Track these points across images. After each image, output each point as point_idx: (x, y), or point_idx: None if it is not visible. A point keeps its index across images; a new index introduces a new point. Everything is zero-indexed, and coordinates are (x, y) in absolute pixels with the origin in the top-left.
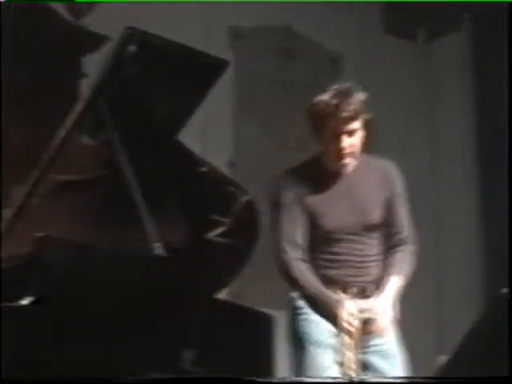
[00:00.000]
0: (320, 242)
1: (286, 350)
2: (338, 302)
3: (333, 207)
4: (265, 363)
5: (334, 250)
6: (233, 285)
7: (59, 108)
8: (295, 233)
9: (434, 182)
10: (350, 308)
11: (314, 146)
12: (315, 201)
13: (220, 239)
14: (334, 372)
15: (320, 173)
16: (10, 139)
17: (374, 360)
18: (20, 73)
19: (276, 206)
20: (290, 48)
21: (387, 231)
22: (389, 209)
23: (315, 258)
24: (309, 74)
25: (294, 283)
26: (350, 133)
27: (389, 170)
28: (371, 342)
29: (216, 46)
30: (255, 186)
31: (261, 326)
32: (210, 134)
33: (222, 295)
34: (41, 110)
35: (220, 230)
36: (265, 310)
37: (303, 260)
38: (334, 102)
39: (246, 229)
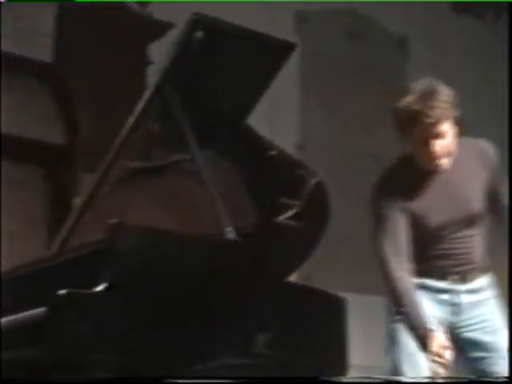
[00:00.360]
0: (425, 240)
1: (358, 332)
2: (430, 333)
3: (434, 206)
4: (337, 346)
5: (439, 246)
6: (303, 267)
7: (128, 96)
8: (398, 240)
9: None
10: (441, 340)
11: (380, 127)
12: (416, 202)
13: (290, 222)
14: (421, 357)
15: (415, 173)
16: (80, 129)
17: (479, 336)
18: (90, 63)
19: (377, 213)
20: (355, 30)
21: (493, 206)
22: (492, 187)
23: (419, 256)
24: (375, 56)
25: (395, 298)
26: (439, 135)
27: (484, 147)
28: (474, 320)
29: (281, 30)
30: (323, 168)
31: (333, 309)
32: (277, 118)
33: (293, 278)
34: (111, 100)
35: (290, 213)
36: (336, 292)
37: (407, 271)
38: (418, 107)
39: (316, 211)
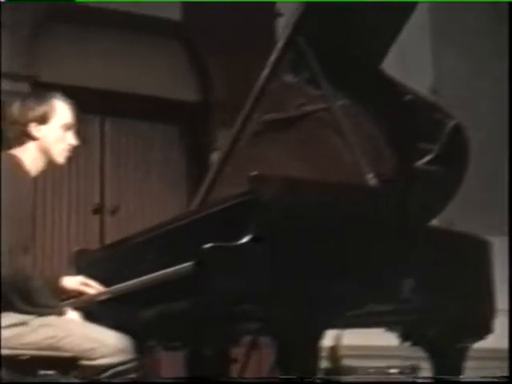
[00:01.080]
0: None
1: (503, 275)
2: None
3: None
4: (484, 289)
5: None
6: (445, 212)
7: (260, 49)
8: None
9: None
10: None
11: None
12: None
13: (429, 167)
14: None
15: None
16: (214, 84)
17: None
18: (219, 18)
19: None
20: None
21: None
22: None
23: None
24: None
25: None
26: None
27: None
28: None
29: None
30: (460, 110)
31: (478, 252)
32: (410, 62)
33: (435, 223)
34: (242, 53)
35: (428, 157)
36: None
37: None
38: None
39: (455, 154)
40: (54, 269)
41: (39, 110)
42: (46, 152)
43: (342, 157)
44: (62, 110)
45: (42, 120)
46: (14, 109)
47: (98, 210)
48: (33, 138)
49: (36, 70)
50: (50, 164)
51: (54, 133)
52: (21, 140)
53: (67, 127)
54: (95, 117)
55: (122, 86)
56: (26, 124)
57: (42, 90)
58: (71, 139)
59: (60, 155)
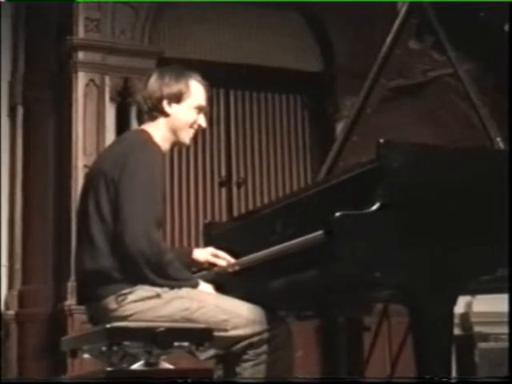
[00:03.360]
0: None
1: None
2: None
3: None
4: None
5: None
6: None
7: (381, 16)
8: None
9: None
10: None
11: None
12: None
13: None
14: None
15: None
16: (336, 54)
17: None
18: None
19: None
20: None
21: None
22: None
23: None
24: None
25: None
26: None
27: None
28: None
29: None
30: None
31: None
32: None
33: None
34: (364, 20)
35: None
36: None
37: None
38: None
39: None
40: (184, 241)
41: (175, 88)
42: (174, 131)
43: (470, 121)
44: (196, 92)
45: (176, 98)
46: (151, 82)
47: (225, 183)
48: (164, 114)
49: (161, 46)
50: (177, 143)
51: (185, 113)
52: (153, 115)
53: (199, 109)
54: (220, 90)
55: (245, 59)
56: (159, 99)
57: (181, 67)
58: (202, 121)
59: (187, 136)
